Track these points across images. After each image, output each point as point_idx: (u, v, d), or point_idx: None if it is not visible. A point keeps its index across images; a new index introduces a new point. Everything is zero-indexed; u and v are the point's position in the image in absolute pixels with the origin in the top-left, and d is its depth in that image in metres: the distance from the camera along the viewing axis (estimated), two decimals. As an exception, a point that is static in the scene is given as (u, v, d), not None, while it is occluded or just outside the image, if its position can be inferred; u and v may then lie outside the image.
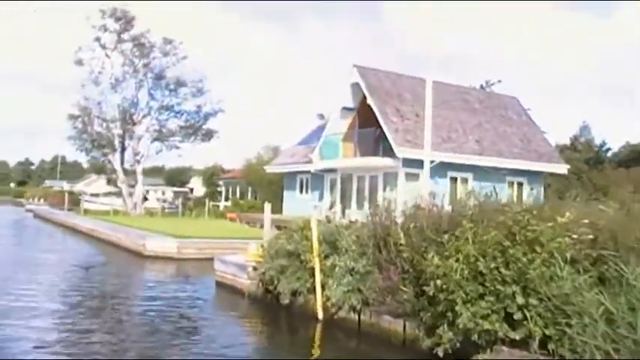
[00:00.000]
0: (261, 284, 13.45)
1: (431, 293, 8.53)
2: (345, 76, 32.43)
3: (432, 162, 28.71)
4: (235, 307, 13.85)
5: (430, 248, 9.62)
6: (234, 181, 51.71)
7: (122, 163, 44.62)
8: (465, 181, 30.57)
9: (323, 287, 11.36)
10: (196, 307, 13.82)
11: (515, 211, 8.88)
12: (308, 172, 35.64)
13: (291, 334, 11.79)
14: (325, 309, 11.39)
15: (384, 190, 29.57)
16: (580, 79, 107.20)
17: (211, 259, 21.04)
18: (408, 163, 28.21)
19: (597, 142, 61.16)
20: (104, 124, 44.04)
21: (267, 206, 16.65)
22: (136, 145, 44.50)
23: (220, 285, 15.49)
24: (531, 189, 30.32)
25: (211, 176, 55.99)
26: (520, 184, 32.91)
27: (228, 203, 49.26)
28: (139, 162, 44.44)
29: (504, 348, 8.10)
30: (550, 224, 8.59)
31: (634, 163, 55.12)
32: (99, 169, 48.81)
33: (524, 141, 33.85)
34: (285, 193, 39.02)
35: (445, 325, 8.32)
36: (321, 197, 35.33)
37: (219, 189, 55.95)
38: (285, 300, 11.88)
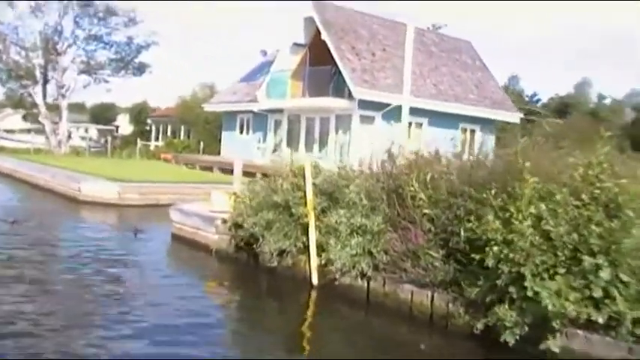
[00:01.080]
0: (233, 240, 11.50)
1: (490, 264, 6.84)
2: (292, 10, 30.08)
3: (388, 105, 27.18)
4: (202, 268, 11.82)
5: (468, 206, 7.96)
6: (166, 120, 48.60)
7: (44, 97, 40.50)
8: (419, 125, 29.14)
9: (320, 248, 9.54)
10: (154, 267, 11.50)
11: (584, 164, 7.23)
12: (250, 111, 33.35)
13: (277, 302, 9.87)
14: (322, 273, 9.60)
15: (337, 133, 27.78)
16: (510, 32, 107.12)
17: (156, 206, 19.02)
18: (363, 105, 26.50)
19: (527, 93, 61.55)
20: (23, 53, 39.75)
21: (238, 162, 14.39)
22: (60, 77, 40.40)
23: (178, 239, 13.39)
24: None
25: (139, 114, 52.50)
26: (473, 132, 31.86)
27: (159, 143, 46.30)
28: (64, 96, 40.43)
29: (579, 331, 6.59)
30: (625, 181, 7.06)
31: (562, 114, 55.77)
32: (16, 103, 44.32)
33: (479, 87, 32.66)
34: (224, 134, 36.61)
35: (507, 304, 6.69)
36: (263, 139, 33.22)
37: (147, 128, 52.60)
38: (273, 261, 9.97)
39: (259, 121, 33.28)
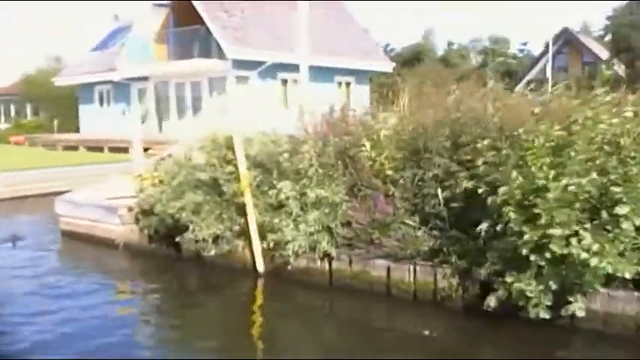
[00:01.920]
0: (146, 231, 9.78)
1: (499, 228, 5.86)
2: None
3: (262, 63, 25.71)
4: (110, 267, 9.96)
5: (448, 164, 6.96)
6: (7, 99, 43.74)
7: None
8: (294, 81, 27.93)
9: (263, 229, 8.15)
10: (49, 279, 9.34)
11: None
12: (109, 82, 30.52)
13: (216, 298, 8.22)
14: (269, 259, 8.25)
15: (211, 96, 25.96)
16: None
17: (25, 198, 16.57)
18: (237, 64, 24.88)
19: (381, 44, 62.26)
20: None
21: (137, 138, 12.24)
22: None
23: (70, 236, 11.33)
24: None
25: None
26: (348, 84, 31.22)
27: (2, 125, 41.66)
28: None
29: (602, 290, 5.82)
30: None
31: (417, 61, 57.21)
32: None
33: (351, 38, 31.88)
34: (82, 109, 33.42)
35: (528, 272, 5.74)
36: (127, 110, 30.57)
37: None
38: (208, 250, 8.42)
39: (121, 91, 30.61)
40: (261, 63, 25.26)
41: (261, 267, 8.32)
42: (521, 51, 69.31)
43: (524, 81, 53.71)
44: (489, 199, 6.22)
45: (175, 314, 7.54)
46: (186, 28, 26.73)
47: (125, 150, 23.61)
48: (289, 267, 7.90)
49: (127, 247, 10.14)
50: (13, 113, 42.84)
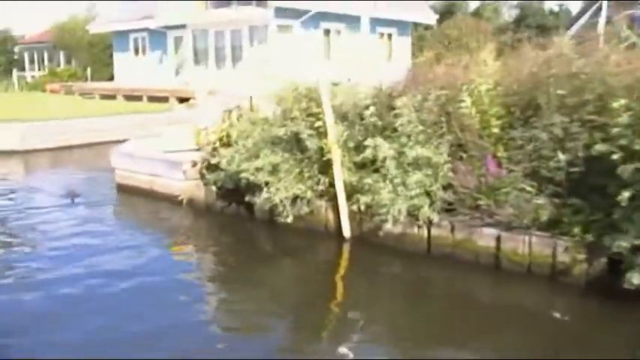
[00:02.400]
0: (213, 187, 9.17)
1: None
2: None
3: (304, 12, 24.70)
4: (176, 225, 9.37)
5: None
6: (39, 47, 43.10)
7: None
8: (337, 32, 26.96)
9: (354, 190, 7.47)
10: (113, 232, 8.87)
11: None
12: (145, 29, 29.71)
13: (299, 264, 7.61)
14: (356, 223, 7.60)
15: (252, 46, 25.08)
16: None
17: (69, 149, 16.10)
18: (279, 13, 23.92)
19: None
20: None
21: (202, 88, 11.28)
22: None
23: (127, 191, 10.76)
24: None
25: (4, 42, 46.25)
26: (390, 36, 30.09)
27: (35, 73, 41.19)
28: None
29: None
30: None
31: (449, 15, 55.35)
32: None
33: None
34: (117, 57, 32.70)
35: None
36: (163, 59, 29.85)
37: (15, 57, 46.58)
38: (285, 214, 7.75)
39: (157, 39, 29.81)
40: (304, 12, 24.26)
41: (347, 231, 7.67)
42: (560, 7, 66.99)
43: (567, 36, 51.87)
44: (625, 166, 5.47)
45: (247, 280, 6.93)
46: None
47: (164, 99, 23.02)
48: (381, 232, 7.25)
49: (190, 203, 9.56)
50: (46, 61, 42.25)
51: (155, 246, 8.11)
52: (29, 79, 38.62)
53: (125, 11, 31.55)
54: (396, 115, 7.13)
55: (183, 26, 27.13)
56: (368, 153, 7.16)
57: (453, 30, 38.00)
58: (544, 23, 59.60)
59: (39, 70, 41.61)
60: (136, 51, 31.47)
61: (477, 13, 63.66)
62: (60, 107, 21.19)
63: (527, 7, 66.29)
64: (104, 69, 36.42)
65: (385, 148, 6.96)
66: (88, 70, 35.52)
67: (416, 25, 32.56)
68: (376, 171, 7.29)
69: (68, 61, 39.67)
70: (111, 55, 36.90)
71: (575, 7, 61.31)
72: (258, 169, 7.75)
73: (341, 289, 6.74)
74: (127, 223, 9.54)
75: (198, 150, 10.32)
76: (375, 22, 28.07)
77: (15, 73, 36.75)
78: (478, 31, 39.34)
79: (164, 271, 7.05)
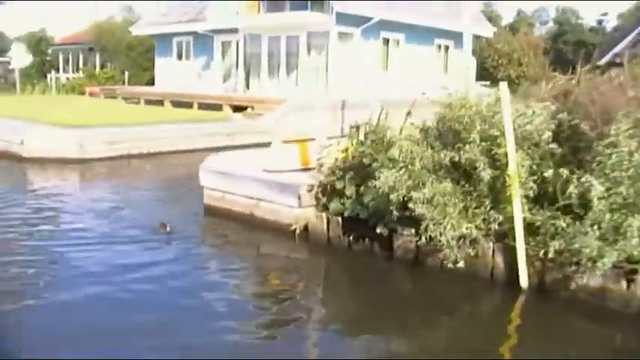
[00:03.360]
0: (340, 219, 7.76)
1: None
2: None
3: (366, 20, 23.39)
4: (294, 265, 7.89)
5: None
6: (73, 48, 42.09)
7: None
8: (396, 43, 25.62)
9: (532, 228, 6.07)
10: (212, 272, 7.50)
11: None
12: (190, 33, 28.52)
13: (456, 318, 6.23)
14: (538, 270, 6.17)
15: (309, 54, 23.75)
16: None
17: (129, 158, 14.82)
18: (341, 19, 22.58)
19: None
20: None
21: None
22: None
23: (218, 214, 9.34)
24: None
25: (38, 43, 45.30)
26: (447, 48, 28.69)
27: (71, 75, 40.17)
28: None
29: None
30: None
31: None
32: None
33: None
34: (159, 61, 31.49)
35: None
36: (208, 65, 28.61)
37: (48, 58, 45.59)
38: (456, 260, 6.31)
39: (202, 44, 28.57)
40: (366, 19, 22.93)
41: (524, 280, 6.23)
42: (599, 22, 65.26)
43: (611, 54, 50.55)
44: None
45: (397, 337, 5.49)
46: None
47: (217, 107, 21.72)
48: (572, 284, 5.83)
49: (305, 235, 8.15)
50: (81, 63, 41.25)
51: (272, 296, 6.68)
52: (64, 81, 37.55)
53: (169, 14, 30.42)
54: (611, 145, 5.69)
55: (233, 30, 25.81)
56: (572, 190, 5.72)
57: (504, 45, 36.67)
58: (583, 39, 58.15)
59: (74, 72, 40.58)
60: (179, 55, 30.25)
61: (512, 28, 62.27)
62: (109, 112, 19.97)
63: (566, 23, 64.78)
64: (142, 73, 35.29)
65: (597, 187, 5.52)
66: (126, 73, 34.36)
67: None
68: (565, 209, 5.91)
69: (104, 64, 38.56)
70: (149, 59, 35.85)
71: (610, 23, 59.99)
72: (429, 200, 6.31)
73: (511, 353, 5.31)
74: (228, 259, 8.02)
75: (307, 170, 8.98)
76: (434, 33, 26.78)
77: (53, 74, 35.67)
78: (529, 47, 37.94)
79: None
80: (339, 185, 7.79)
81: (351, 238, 7.70)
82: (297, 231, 8.21)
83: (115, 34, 35.61)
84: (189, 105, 22.96)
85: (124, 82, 34.19)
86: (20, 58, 44.14)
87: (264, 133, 17.80)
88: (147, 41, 34.80)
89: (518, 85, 37.10)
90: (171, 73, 30.18)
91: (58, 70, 42.41)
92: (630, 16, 63.22)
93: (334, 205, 7.79)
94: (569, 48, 57.13)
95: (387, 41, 25.10)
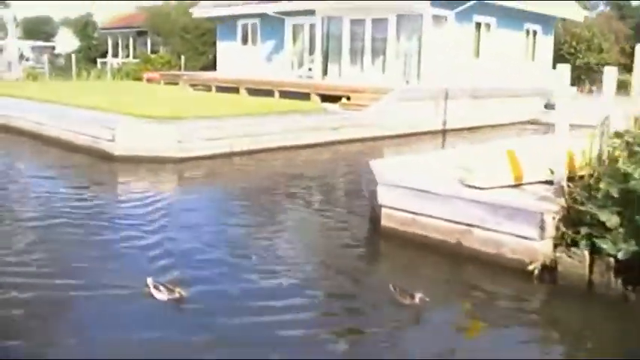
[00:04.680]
0: (613, 261, 5.70)
1: None
2: None
3: (461, 2, 21.14)
4: (545, 321, 5.86)
5: None
6: (123, 32, 40.35)
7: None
8: (487, 27, 23.32)
9: None
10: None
11: None
12: (258, 15, 26.49)
13: None
14: None
15: (398, 40, 21.56)
16: None
17: (230, 156, 12.91)
18: (436, 1, 20.37)
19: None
20: None
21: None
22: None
23: (402, 240, 7.32)
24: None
25: (85, 27, 43.61)
26: (535, 33, 26.31)
27: (120, 60, 38.46)
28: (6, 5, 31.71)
29: None
30: None
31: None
32: None
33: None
34: (221, 45, 29.52)
35: None
36: (277, 50, 26.56)
37: (94, 42, 43.92)
38: None
39: (270, 27, 26.50)
40: (461, 2, 20.70)
41: None
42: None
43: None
44: None
45: None
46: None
47: (302, 96, 19.71)
48: None
49: (548, 277, 6.11)
50: (131, 47, 39.51)
51: None
52: (116, 66, 35.81)
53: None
54: None
55: (308, 12, 23.70)
56: None
57: (584, 29, 34.09)
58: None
59: (123, 57, 38.86)
60: (244, 39, 28.23)
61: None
62: (191, 102, 18.06)
63: (625, 6, 61.09)
64: (199, 57, 33.46)
65: None
66: (182, 58, 32.48)
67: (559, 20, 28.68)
68: None
69: (155, 49, 36.74)
70: (205, 43, 33.99)
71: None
72: None
73: None
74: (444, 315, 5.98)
75: (517, 186, 6.90)
76: (523, 16, 24.46)
77: (110, 59, 33.94)
78: (610, 32, 35.33)
79: None
80: (602, 215, 5.72)
81: (628, 285, 5.65)
82: (537, 271, 6.17)
83: (169, 17, 33.66)
84: (268, 93, 20.94)
85: (179, 67, 32.35)
86: (66, 42, 42.66)
87: (371, 126, 15.87)
88: (203, 24, 32.93)
89: (597, 73, 34.80)
90: (236, 58, 28.22)
91: (105, 55, 40.80)
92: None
93: (603, 242, 5.72)
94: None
95: (479, 26, 22.81)
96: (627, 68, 37.88)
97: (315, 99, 19.41)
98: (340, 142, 15.07)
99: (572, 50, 33.95)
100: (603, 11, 46.24)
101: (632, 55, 30.53)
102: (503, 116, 21.20)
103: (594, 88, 34.05)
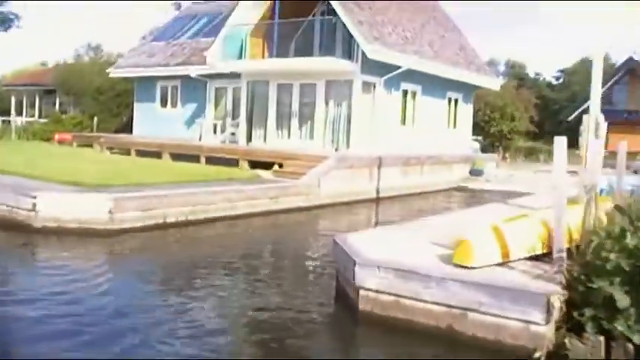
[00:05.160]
0: (631, 347, 5.27)
1: None
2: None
3: (395, 68, 21.27)
4: None
5: None
6: (30, 90, 38.33)
7: None
8: (413, 95, 23.62)
9: None
10: None
11: None
12: (179, 77, 25.79)
13: None
14: None
15: (327, 105, 21.35)
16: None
17: (165, 228, 11.98)
18: (367, 68, 20.43)
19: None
20: None
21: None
22: None
23: (387, 327, 6.61)
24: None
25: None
26: (456, 101, 26.96)
27: (25, 119, 36.36)
28: None
29: None
30: None
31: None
32: None
33: (463, 49, 27.63)
34: (138, 107, 28.42)
35: None
36: (198, 113, 25.81)
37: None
38: None
39: (192, 89, 25.87)
40: (393, 68, 20.82)
41: None
42: (557, 79, 65.72)
43: (580, 110, 50.46)
44: None
45: None
46: (298, 20, 22.24)
47: (226, 162, 18.97)
48: None
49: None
50: (37, 106, 37.51)
51: None
52: (20, 125, 33.71)
53: (154, 54, 27.60)
54: None
55: (232, 75, 23.18)
56: None
57: (496, 98, 35.37)
58: (544, 95, 57.57)
59: (31, 116, 36.81)
60: (164, 101, 27.32)
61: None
62: (113, 167, 16.86)
63: (526, 78, 64.29)
64: (112, 119, 32.13)
65: None
66: (95, 119, 31.05)
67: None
68: None
69: (63, 109, 35.02)
70: (120, 104, 32.80)
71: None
72: None
73: None
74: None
75: (504, 263, 6.47)
76: (446, 85, 25.03)
77: (13, 118, 31.90)
78: (520, 101, 36.81)
79: None
80: (616, 294, 5.33)
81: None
82: (542, 358, 5.66)
83: (82, 75, 32.28)
84: (192, 158, 20.05)
85: (92, 129, 30.86)
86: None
87: (309, 195, 15.30)
88: (118, 85, 31.84)
89: (511, 141, 36.09)
90: (154, 121, 27.20)
91: (7, 113, 38.54)
92: (575, 72, 64.42)
93: (616, 324, 5.29)
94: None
95: (405, 93, 23.03)
96: (536, 136, 39.82)
97: (244, 165, 18.71)
98: (279, 212, 14.38)
99: (487, 118, 35.11)
100: (510, 81, 48.54)
101: (540, 123, 31.97)
102: (433, 183, 21.27)
103: (507, 155, 35.30)
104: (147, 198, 12.06)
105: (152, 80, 27.16)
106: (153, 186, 13.45)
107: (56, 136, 27.25)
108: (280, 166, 17.49)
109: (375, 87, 21.24)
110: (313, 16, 23.17)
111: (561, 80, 65.13)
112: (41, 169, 14.86)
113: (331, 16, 20.42)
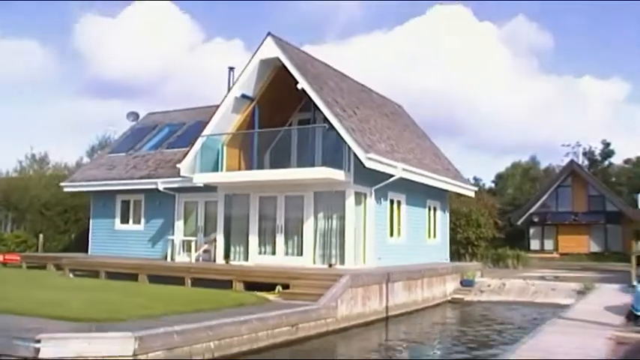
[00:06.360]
0: None
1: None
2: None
3: (387, 177, 20.31)
4: None
5: None
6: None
7: None
8: (399, 204, 22.69)
9: None
10: None
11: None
12: (142, 190, 24.00)
13: None
14: None
15: (315, 217, 19.94)
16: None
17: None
18: (359, 178, 19.43)
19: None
20: None
21: None
22: None
23: None
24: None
25: None
26: (434, 209, 26.26)
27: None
28: None
29: None
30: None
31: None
32: None
33: (436, 156, 27.26)
34: (95, 223, 26.07)
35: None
36: (164, 230, 23.85)
37: None
38: None
39: (157, 204, 24.05)
40: (379, 178, 19.85)
41: None
42: (495, 184, 66.93)
43: (527, 214, 51.00)
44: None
45: None
46: (281, 128, 21.25)
47: (221, 283, 17.13)
48: None
49: None
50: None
51: None
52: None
53: (114, 167, 25.75)
54: None
55: (207, 189, 21.60)
56: None
57: (461, 205, 35.00)
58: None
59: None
60: (125, 217, 25.23)
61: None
62: (99, 296, 14.68)
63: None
64: (59, 237, 29.54)
65: None
66: (41, 237, 28.41)
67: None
68: None
69: (12, 226, 32.18)
70: (67, 221, 30.35)
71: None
72: None
73: None
74: None
75: None
76: (427, 193, 24.35)
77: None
78: (485, 207, 36.57)
79: None
80: None
81: None
82: None
83: (27, 191, 29.84)
84: (176, 280, 18.01)
85: (37, 248, 28.17)
86: None
87: (328, 318, 13.63)
88: (66, 200, 29.55)
89: (477, 247, 35.46)
90: (114, 239, 24.99)
91: None
92: (509, 176, 66.51)
93: None
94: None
95: (392, 202, 22.04)
96: (503, 243, 39.48)
97: (239, 287, 16.86)
98: (301, 340, 12.65)
99: (453, 225, 34.53)
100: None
101: (504, 228, 31.36)
102: (432, 297, 20.01)
103: (474, 262, 34.51)
104: (170, 334, 10.10)
105: (111, 194, 25.16)
106: (161, 318, 11.48)
107: (1, 257, 24.44)
108: (286, 287, 15.76)
109: (366, 197, 20.13)
110: (290, 125, 22.27)
111: (498, 185, 66.59)
112: (14, 300, 12.64)
113: (324, 124, 19.37)
